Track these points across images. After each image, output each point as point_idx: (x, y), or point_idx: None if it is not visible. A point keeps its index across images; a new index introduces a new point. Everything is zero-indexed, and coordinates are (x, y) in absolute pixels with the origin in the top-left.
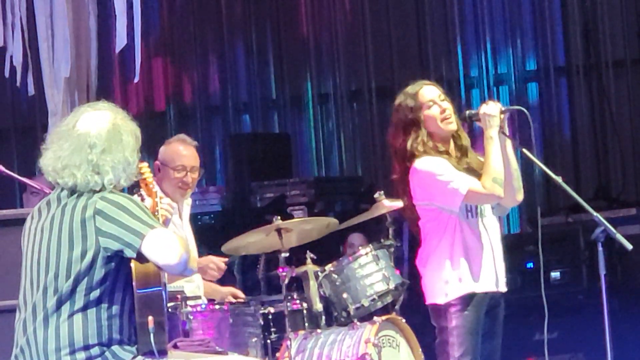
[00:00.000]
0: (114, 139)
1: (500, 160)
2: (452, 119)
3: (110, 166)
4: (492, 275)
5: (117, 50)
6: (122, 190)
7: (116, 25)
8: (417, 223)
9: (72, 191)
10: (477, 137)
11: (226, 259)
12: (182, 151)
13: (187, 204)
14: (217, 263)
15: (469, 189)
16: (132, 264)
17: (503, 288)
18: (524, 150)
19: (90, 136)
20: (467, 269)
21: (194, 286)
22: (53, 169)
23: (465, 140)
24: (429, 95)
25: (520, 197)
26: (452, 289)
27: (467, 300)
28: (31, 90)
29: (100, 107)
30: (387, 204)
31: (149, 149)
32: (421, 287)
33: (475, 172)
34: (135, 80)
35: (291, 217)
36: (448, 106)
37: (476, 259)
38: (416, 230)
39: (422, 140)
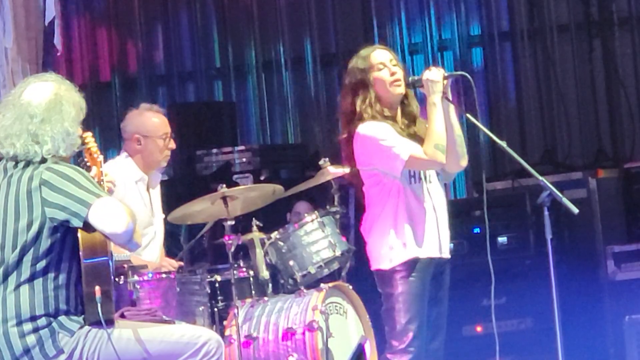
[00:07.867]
0: (54, 109)
1: (443, 126)
2: (400, 82)
3: (49, 136)
4: (436, 241)
5: (47, 22)
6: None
7: None
8: (362, 188)
9: (15, 161)
10: (420, 103)
11: (180, 262)
12: (161, 120)
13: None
14: (170, 267)
15: (411, 154)
16: (79, 234)
17: (447, 254)
18: (469, 115)
19: (32, 106)
20: (412, 235)
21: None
22: None
23: (415, 108)
24: (380, 58)
25: (464, 162)
26: (397, 255)
27: (412, 265)
28: None
29: (47, 78)
30: (332, 171)
31: (95, 119)
32: (366, 253)
33: (422, 139)
34: (58, 54)
35: (237, 185)
36: (398, 70)
37: (420, 225)
38: (361, 196)
39: (369, 102)
